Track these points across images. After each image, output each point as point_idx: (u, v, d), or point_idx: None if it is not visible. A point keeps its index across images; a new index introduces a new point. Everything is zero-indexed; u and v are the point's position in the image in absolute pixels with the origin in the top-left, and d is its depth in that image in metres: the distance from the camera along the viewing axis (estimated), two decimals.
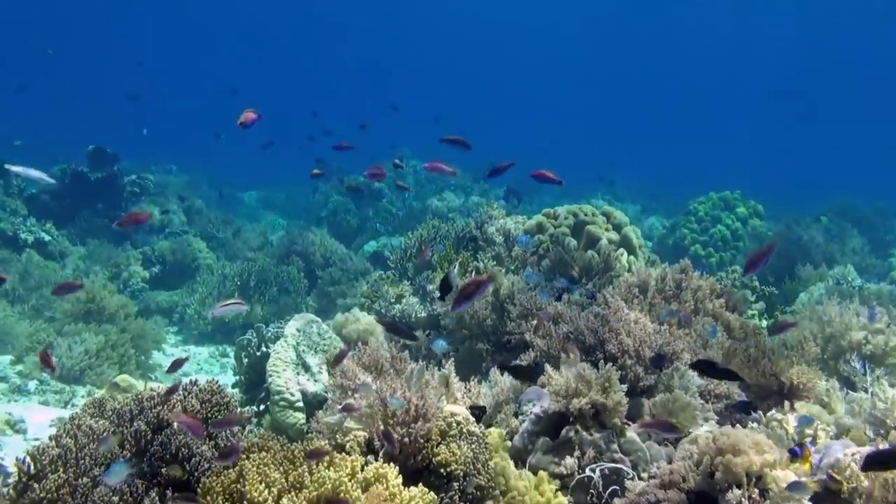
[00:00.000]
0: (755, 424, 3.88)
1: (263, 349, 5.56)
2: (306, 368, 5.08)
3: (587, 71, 56.63)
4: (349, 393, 3.54)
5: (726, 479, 3.14)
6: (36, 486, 2.91)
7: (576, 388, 3.71)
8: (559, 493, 3.55)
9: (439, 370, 3.87)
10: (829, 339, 5.79)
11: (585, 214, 6.50)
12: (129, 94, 20.72)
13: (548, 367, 3.96)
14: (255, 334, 5.76)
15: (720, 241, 13.03)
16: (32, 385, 6.80)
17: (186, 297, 9.80)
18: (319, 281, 9.90)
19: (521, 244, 6.32)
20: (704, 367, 3.57)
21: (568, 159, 29.85)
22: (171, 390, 3.45)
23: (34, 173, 5.25)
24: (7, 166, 10.53)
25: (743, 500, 3.07)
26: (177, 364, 4.41)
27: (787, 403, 4.31)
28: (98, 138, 14.30)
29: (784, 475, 3.14)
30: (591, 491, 3.50)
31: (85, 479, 2.93)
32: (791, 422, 3.81)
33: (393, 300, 6.36)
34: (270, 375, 4.92)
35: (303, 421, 4.82)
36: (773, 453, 3.19)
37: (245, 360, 5.76)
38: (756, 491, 3.10)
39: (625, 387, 3.76)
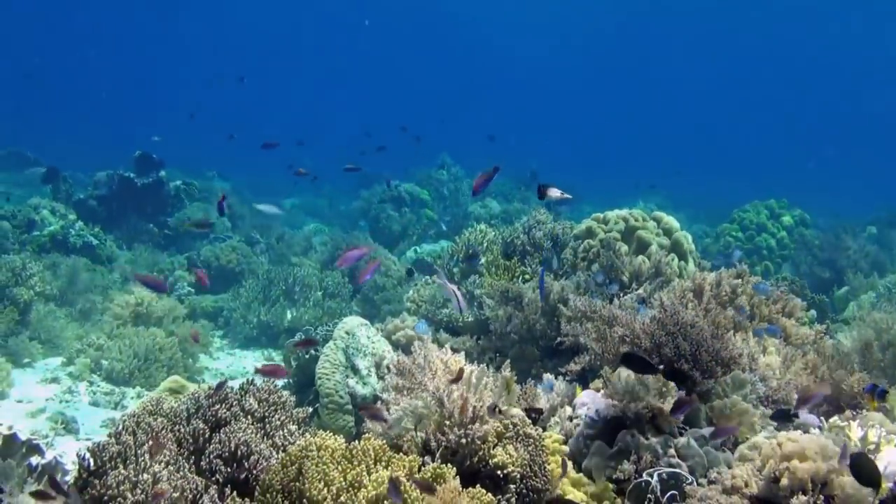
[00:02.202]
0: (816, 430, 3.80)
1: (312, 352, 5.58)
2: (355, 371, 5.08)
3: (629, 82, 56.37)
4: (405, 392, 3.52)
5: (791, 485, 3.07)
6: (96, 482, 2.92)
7: (633, 391, 3.66)
8: (617, 501, 3.50)
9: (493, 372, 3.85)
10: (886, 346, 5.66)
11: (636, 220, 6.43)
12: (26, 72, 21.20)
13: (605, 371, 3.92)
14: (304, 337, 5.78)
15: (765, 250, 12.87)
16: (83, 387, 6.90)
17: (232, 302, 9.87)
18: (363, 286, 9.92)
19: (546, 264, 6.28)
20: (634, 361, 3.50)
21: (610, 170, 29.87)
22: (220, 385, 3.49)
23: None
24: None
25: None
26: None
27: (847, 411, 4.22)
28: (140, 143, 14.55)
29: (850, 482, 3.06)
30: (650, 496, 3.43)
31: (145, 476, 2.94)
32: (854, 428, 3.71)
33: (440, 304, 6.35)
34: (320, 378, 4.93)
35: (352, 423, 4.82)
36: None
37: (294, 363, 5.78)
38: (822, 497, 3.03)
39: (682, 392, 3.70)
